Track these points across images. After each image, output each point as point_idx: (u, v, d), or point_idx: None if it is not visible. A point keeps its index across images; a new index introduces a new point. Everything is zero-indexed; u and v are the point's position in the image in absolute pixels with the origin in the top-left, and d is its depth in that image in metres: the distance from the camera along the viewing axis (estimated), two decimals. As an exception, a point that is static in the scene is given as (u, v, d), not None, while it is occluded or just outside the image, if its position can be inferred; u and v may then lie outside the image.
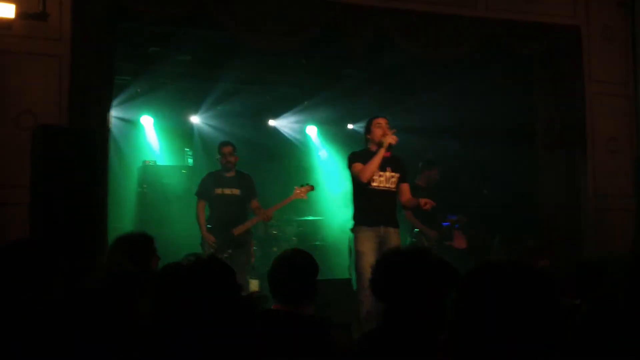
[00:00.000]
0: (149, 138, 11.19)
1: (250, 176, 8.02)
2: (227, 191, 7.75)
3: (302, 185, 8.03)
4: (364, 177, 6.46)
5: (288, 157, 11.81)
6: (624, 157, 8.08)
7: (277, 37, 6.97)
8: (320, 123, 12.00)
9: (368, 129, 6.75)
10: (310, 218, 10.97)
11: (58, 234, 5.50)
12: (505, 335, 1.52)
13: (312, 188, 8.08)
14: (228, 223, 7.67)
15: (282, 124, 11.79)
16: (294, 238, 10.63)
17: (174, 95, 10.33)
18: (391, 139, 6.51)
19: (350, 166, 6.68)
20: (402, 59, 8.05)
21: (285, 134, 11.86)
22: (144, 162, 10.65)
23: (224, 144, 8.02)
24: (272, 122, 11.75)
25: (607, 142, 8.07)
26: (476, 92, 8.78)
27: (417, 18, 7.35)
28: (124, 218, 9.89)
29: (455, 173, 9.25)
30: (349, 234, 6.69)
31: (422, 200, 6.65)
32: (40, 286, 3.08)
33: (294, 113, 11.40)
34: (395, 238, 6.62)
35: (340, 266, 10.22)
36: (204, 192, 7.79)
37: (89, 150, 5.99)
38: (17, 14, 6.09)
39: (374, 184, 6.59)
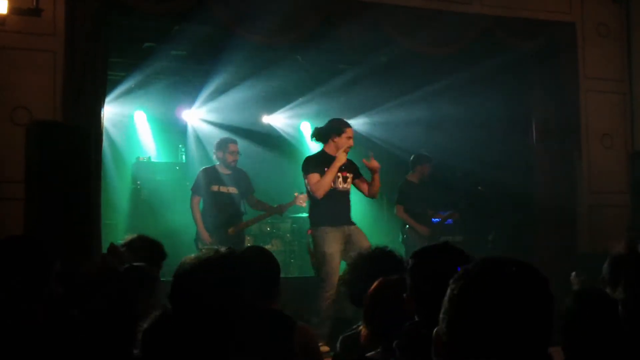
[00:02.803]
0: (143, 134, 11.15)
1: (245, 172, 7.96)
2: (224, 189, 7.65)
3: (302, 193, 7.94)
4: (319, 194, 6.50)
5: (282, 153, 11.78)
6: (619, 153, 8.11)
7: (272, 33, 6.96)
8: (314, 119, 11.97)
9: (338, 133, 6.71)
10: (305, 215, 10.94)
11: (52, 229, 5.48)
12: (507, 332, 1.52)
13: None
14: (223, 221, 7.63)
15: (276, 120, 11.77)
16: (288, 235, 10.62)
17: (168, 91, 10.31)
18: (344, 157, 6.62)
19: (306, 175, 6.63)
20: (397, 55, 8.04)
21: (279, 131, 11.84)
22: (138, 158, 10.63)
23: (232, 140, 7.89)
24: (266, 119, 11.73)
25: (602, 138, 8.10)
26: (471, 88, 8.78)
27: (413, 14, 7.36)
28: (117, 214, 9.87)
29: (450, 169, 9.25)
30: (307, 235, 6.70)
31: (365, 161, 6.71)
32: (33, 282, 3.06)
33: (288, 109, 11.38)
34: (360, 233, 6.67)
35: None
36: (200, 187, 7.66)
37: (82, 146, 5.98)
38: (10, 9, 6.05)
39: (334, 185, 6.64)
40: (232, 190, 7.69)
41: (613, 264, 3.95)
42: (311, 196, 6.64)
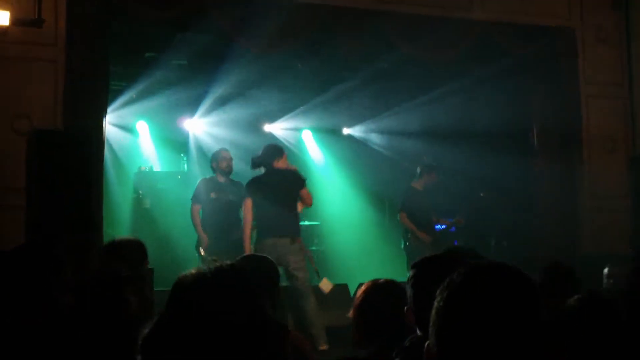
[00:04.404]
0: (145, 144, 11.18)
1: (242, 183, 8.12)
2: (223, 196, 7.87)
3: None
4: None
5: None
6: (620, 157, 8.10)
7: (272, 40, 6.98)
8: (315, 128, 12.00)
9: (281, 156, 7.23)
10: (307, 223, 10.95)
11: (53, 237, 5.47)
12: (495, 340, 1.51)
13: None
14: (223, 228, 7.78)
15: (277, 129, 11.78)
16: (290, 243, 10.58)
17: (169, 101, 10.32)
18: None
19: (305, 186, 7.19)
20: (398, 61, 8.05)
21: (281, 139, 11.85)
22: (140, 168, 10.64)
23: (224, 149, 8.19)
24: (267, 127, 11.74)
25: (603, 142, 8.08)
26: (472, 94, 8.79)
27: (413, 20, 7.37)
28: (119, 223, 9.87)
29: (452, 175, 9.25)
30: (295, 244, 6.98)
31: None
32: (44, 292, 3.05)
33: (289, 118, 11.40)
34: None
35: (338, 271, 10.21)
36: (199, 196, 7.91)
37: (84, 155, 5.99)
38: (12, 20, 6.08)
39: None
40: (230, 197, 7.90)
41: (548, 274, 3.98)
42: (295, 207, 7.17)
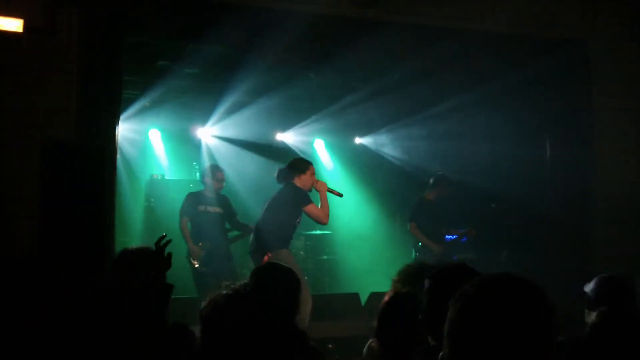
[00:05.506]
0: (157, 152, 11.22)
1: (227, 197, 8.57)
2: (210, 209, 8.23)
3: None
4: (327, 221, 6.90)
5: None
6: (634, 170, 8.04)
7: (283, 51, 7.01)
8: (328, 137, 12.01)
9: (304, 171, 7.01)
10: (318, 232, 10.95)
11: (66, 247, 5.50)
12: (509, 351, 1.51)
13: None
14: (212, 239, 8.13)
15: (289, 137, 11.80)
16: (301, 252, 10.60)
17: (182, 109, 10.37)
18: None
19: (308, 203, 6.82)
20: (409, 73, 8.05)
21: (293, 148, 11.87)
22: (152, 176, 10.68)
23: (221, 169, 8.49)
24: (279, 136, 11.76)
25: (617, 155, 8.03)
26: (484, 106, 8.77)
27: (423, 32, 7.36)
28: (131, 232, 9.91)
29: (463, 187, 9.23)
30: (263, 258, 6.64)
31: None
32: (47, 301, 3.07)
33: (301, 127, 11.42)
34: None
35: (348, 280, 10.20)
36: (187, 209, 8.23)
37: (96, 164, 6.01)
38: (26, 28, 6.11)
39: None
40: (217, 210, 8.28)
41: (599, 284, 3.97)
42: (283, 222, 6.83)
